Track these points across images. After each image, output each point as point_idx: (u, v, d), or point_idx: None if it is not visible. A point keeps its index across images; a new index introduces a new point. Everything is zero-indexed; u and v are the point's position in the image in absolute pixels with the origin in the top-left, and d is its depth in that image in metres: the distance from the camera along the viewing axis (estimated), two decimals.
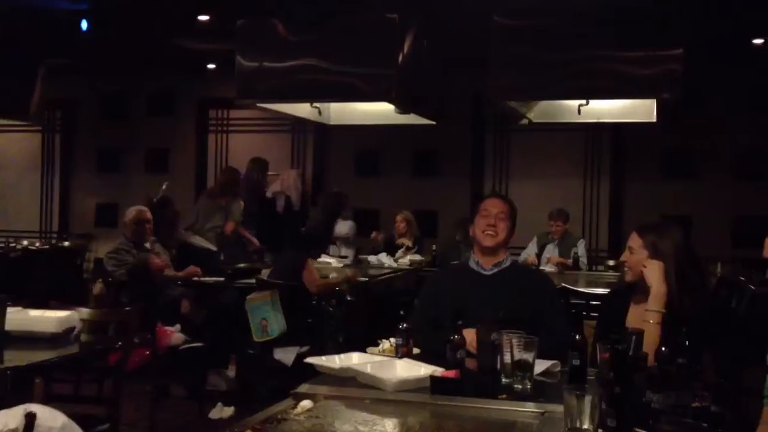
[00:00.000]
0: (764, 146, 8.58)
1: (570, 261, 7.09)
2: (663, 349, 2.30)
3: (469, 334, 2.81)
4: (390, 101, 5.51)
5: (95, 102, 10.67)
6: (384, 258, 7.50)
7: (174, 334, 5.29)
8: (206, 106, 10.33)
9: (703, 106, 8.40)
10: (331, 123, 6.56)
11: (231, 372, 5.88)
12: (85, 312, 3.83)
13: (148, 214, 6.02)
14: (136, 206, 6.17)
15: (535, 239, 7.57)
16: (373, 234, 8.35)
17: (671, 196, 8.72)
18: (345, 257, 7.54)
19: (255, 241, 7.65)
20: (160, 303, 5.69)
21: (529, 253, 7.41)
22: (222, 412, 5.34)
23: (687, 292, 2.93)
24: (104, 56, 8.89)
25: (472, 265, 3.43)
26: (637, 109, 6.14)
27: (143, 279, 5.50)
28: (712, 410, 1.73)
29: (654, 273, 2.94)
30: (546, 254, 7.39)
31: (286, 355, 5.09)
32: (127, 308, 4.15)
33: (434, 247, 7.86)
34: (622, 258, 3.17)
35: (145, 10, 7.02)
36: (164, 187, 8.21)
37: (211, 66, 9.54)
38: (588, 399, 1.94)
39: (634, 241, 3.07)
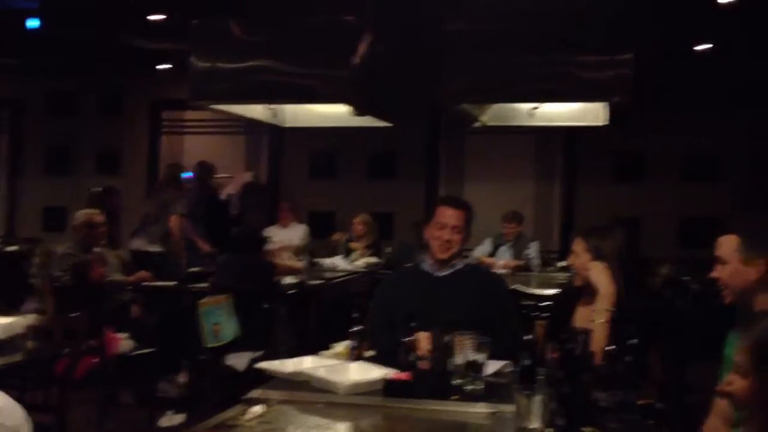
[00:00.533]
0: (710, 149, 8.77)
1: (522, 263, 7.17)
2: (610, 348, 2.34)
3: (423, 339, 2.82)
4: (346, 103, 5.51)
5: (43, 102, 10.46)
6: (338, 261, 7.48)
7: (122, 342, 5.20)
8: (159, 107, 10.20)
9: (652, 109, 8.54)
10: (287, 125, 6.53)
11: (182, 378, 5.80)
12: (31, 318, 3.74)
13: (99, 218, 5.91)
14: (86, 210, 6.05)
15: (489, 240, 7.62)
16: (336, 235, 8.33)
17: (621, 198, 8.86)
18: (301, 259, 7.50)
19: (204, 245, 7.58)
20: (108, 308, 5.59)
21: (483, 253, 7.46)
22: (172, 419, 5.25)
23: (631, 292, 2.98)
24: (53, 55, 8.73)
25: (425, 267, 3.44)
26: (589, 113, 6.24)
27: (84, 283, 5.39)
28: (657, 407, 1.76)
29: (599, 274, 2.99)
30: (500, 256, 7.44)
31: (239, 361, 5.04)
32: (75, 314, 4.07)
33: (389, 249, 7.87)
34: (568, 262, 3.21)
35: (96, 7, 6.90)
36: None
37: (164, 66, 9.42)
38: (538, 398, 1.96)
39: (578, 244, 3.13)
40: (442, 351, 2.69)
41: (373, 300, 3.53)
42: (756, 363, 1.68)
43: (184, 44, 5.63)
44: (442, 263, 3.38)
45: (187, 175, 8.40)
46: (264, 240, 5.81)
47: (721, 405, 2.59)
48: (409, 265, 4.05)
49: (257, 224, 7.09)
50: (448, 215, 3.37)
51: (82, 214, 5.92)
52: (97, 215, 5.91)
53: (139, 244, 7.21)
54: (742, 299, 2.48)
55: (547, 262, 7.94)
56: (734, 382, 1.75)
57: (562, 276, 6.62)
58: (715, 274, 2.53)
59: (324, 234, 8.93)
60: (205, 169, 8.29)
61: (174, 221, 7.23)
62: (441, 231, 3.34)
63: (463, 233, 3.37)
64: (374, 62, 5.69)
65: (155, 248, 7.16)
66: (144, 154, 10.23)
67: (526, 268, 7.13)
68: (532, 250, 7.34)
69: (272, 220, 8.26)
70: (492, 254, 7.46)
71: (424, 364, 2.75)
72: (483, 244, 7.59)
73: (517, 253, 7.36)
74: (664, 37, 7.19)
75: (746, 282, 2.46)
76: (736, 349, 2.15)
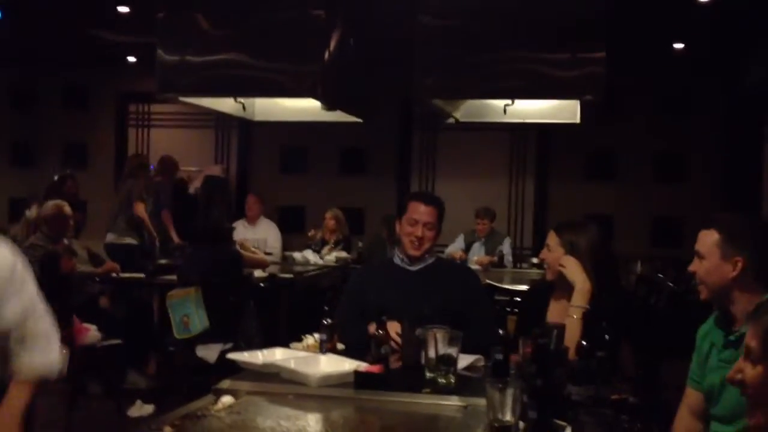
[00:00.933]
0: (683, 148, 8.87)
1: (495, 259, 7.19)
2: (583, 343, 2.34)
3: (392, 327, 2.81)
4: (315, 98, 5.47)
5: (5, 93, 10.28)
6: (310, 255, 7.46)
7: (90, 332, 5.14)
8: (126, 99, 10.07)
9: (625, 108, 8.63)
10: (256, 119, 6.48)
11: (152, 370, 5.75)
12: None
13: (68, 209, 5.83)
14: (54, 201, 5.96)
15: (461, 236, 7.63)
16: (311, 231, 8.29)
17: (594, 196, 8.93)
18: (270, 254, 7.46)
19: (176, 237, 7.51)
20: (77, 300, 5.52)
21: (456, 249, 7.47)
22: (141, 409, 5.22)
23: (604, 288, 2.99)
24: (16, 47, 8.59)
25: (397, 261, 3.42)
26: (562, 110, 6.27)
27: (55, 275, 5.31)
28: (630, 401, 1.76)
29: (575, 270, 2.99)
30: (473, 252, 7.47)
31: (209, 353, 5.00)
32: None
33: (360, 244, 7.86)
34: (541, 256, 3.22)
35: None
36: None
37: (131, 59, 9.31)
38: (510, 392, 1.95)
39: (552, 238, 3.14)
40: (413, 344, 2.68)
41: (344, 292, 3.51)
42: (767, 349, 1.67)
43: (150, 37, 5.55)
44: (415, 258, 3.37)
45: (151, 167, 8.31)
46: (230, 232, 5.76)
47: (691, 397, 2.61)
48: (380, 259, 4.05)
49: (221, 217, 7.01)
50: (421, 211, 3.34)
51: (51, 206, 5.83)
52: (65, 206, 5.83)
53: (111, 237, 7.11)
54: (719, 297, 2.48)
55: (520, 259, 7.99)
56: (744, 369, 1.74)
57: (535, 272, 6.66)
58: (692, 268, 2.52)
59: (294, 229, 8.89)
60: (168, 165, 8.16)
61: (138, 208, 7.15)
62: (413, 227, 3.32)
63: (435, 230, 3.36)
64: (344, 57, 5.66)
65: (128, 240, 7.08)
66: (111, 148, 10.10)
67: (499, 264, 7.15)
68: (506, 247, 7.37)
69: (238, 214, 8.14)
70: (465, 251, 7.47)
71: (393, 358, 2.74)
72: (456, 241, 7.61)
73: (490, 250, 7.38)
74: (638, 36, 7.26)
75: (723, 279, 2.44)
76: (746, 335, 2.16)
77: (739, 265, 2.42)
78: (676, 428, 2.60)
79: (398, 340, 2.84)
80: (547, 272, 3.18)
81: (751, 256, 2.41)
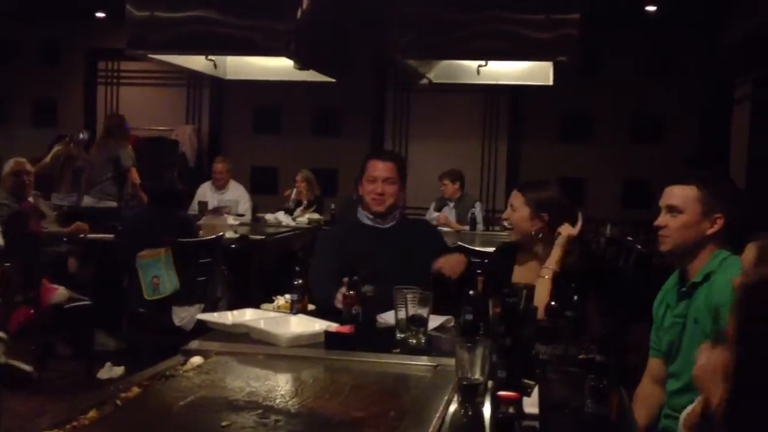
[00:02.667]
0: (655, 110, 8.90)
1: (467, 227, 7.16)
2: (552, 303, 2.35)
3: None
4: (288, 57, 5.40)
5: None
6: (282, 216, 7.43)
7: (57, 291, 5.09)
8: (95, 56, 9.89)
9: (598, 70, 8.63)
10: (228, 77, 6.39)
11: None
12: None
13: (27, 166, 5.75)
14: (15, 158, 5.88)
15: (433, 204, 7.63)
16: (287, 191, 8.24)
17: (566, 159, 8.96)
18: (242, 215, 7.42)
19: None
20: (44, 260, 5.46)
21: (430, 217, 7.45)
22: (111, 371, 5.20)
23: (570, 248, 3.01)
24: None
25: (366, 221, 3.42)
26: (535, 72, 6.25)
27: (22, 233, 5.25)
28: (597, 360, 1.77)
29: (561, 237, 3.02)
30: (441, 214, 7.44)
31: (186, 322, 4.98)
32: (7, 264, 3.96)
33: (333, 205, 7.84)
34: (504, 216, 3.20)
35: None
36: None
37: (100, 14, 9.12)
38: (479, 351, 1.96)
39: (516, 198, 3.12)
40: (366, 302, 2.69)
41: (314, 253, 3.50)
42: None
43: None
44: (382, 216, 3.37)
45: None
46: (180, 196, 5.71)
47: (652, 366, 2.65)
48: (348, 220, 4.04)
49: (172, 180, 6.96)
50: (379, 168, 3.37)
51: (10, 162, 5.78)
52: (25, 164, 5.76)
53: (90, 201, 7.01)
54: (685, 252, 2.51)
55: (492, 222, 8.01)
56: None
57: (506, 235, 6.69)
58: (662, 222, 2.54)
59: (267, 190, 8.84)
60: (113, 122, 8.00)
61: (134, 175, 7.10)
62: (373, 185, 3.35)
63: (396, 184, 3.37)
64: (318, 15, 5.58)
65: (107, 203, 6.99)
66: (80, 105, 9.94)
67: (471, 227, 7.15)
68: (477, 210, 7.36)
69: (208, 177, 8.01)
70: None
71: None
72: (428, 212, 7.60)
73: (461, 213, 7.37)
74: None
75: (699, 234, 2.48)
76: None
77: (719, 222, 2.46)
78: (638, 395, 2.66)
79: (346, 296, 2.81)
80: (511, 234, 3.17)
81: (730, 214, 2.45)
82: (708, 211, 2.47)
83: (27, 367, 2.31)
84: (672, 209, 2.52)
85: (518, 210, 3.09)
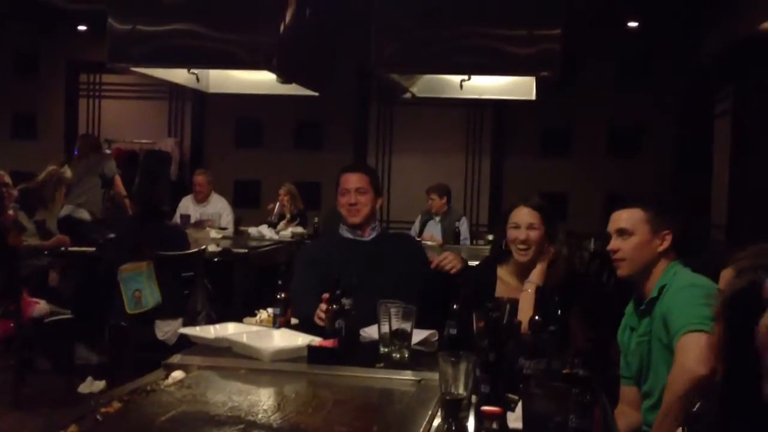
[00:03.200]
0: (636, 125, 8.96)
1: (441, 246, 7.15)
2: (536, 318, 2.36)
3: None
4: (270, 70, 5.39)
5: None
6: (265, 230, 7.40)
7: (38, 305, 5.05)
8: (77, 68, 9.84)
9: (581, 85, 8.68)
10: (210, 91, 6.37)
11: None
12: None
13: (6, 178, 5.72)
14: None
15: (418, 218, 7.63)
16: (270, 205, 8.22)
17: (549, 173, 8.99)
18: (225, 228, 7.39)
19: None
20: (24, 273, 5.41)
21: (413, 231, 7.45)
22: (92, 386, 5.16)
23: (552, 262, 3.03)
24: None
25: (347, 234, 3.42)
26: (518, 87, 6.27)
27: (1, 246, 5.21)
28: (581, 375, 1.78)
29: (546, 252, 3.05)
30: (427, 231, 7.46)
31: (169, 337, 4.94)
32: None
33: (316, 219, 7.82)
34: (523, 237, 3.07)
35: None
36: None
37: (81, 27, 9.08)
38: (462, 366, 1.95)
39: (534, 216, 3.09)
40: (342, 315, 2.68)
41: (296, 266, 3.49)
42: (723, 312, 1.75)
43: (101, 4, 5.41)
44: (361, 228, 3.38)
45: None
46: (166, 208, 5.70)
47: (625, 394, 2.68)
48: (330, 234, 4.04)
49: (160, 192, 6.94)
50: (350, 180, 3.40)
51: None
52: (4, 176, 5.72)
53: (67, 210, 6.97)
54: (641, 272, 2.57)
55: (476, 236, 8.02)
56: None
57: (487, 249, 6.70)
58: (615, 246, 2.60)
59: (250, 204, 8.80)
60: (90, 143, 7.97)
61: (118, 183, 7.11)
62: (346, 197, 3.38)
63: (368, 194, 3.38)
64: (300, 28, 5.58)
65: (82, 215, 6.96)
66: (60, 118, 9.87)
67: (455, 241, 7.16)
68: (463, 226, 7.38)
69: (189, 190, 7.98)
70: (420, 231, 7.47)
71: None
72: (414, 225, 7.60)
73: (447, 228, 7.37)
74: (594, 13, 7.30)
75: (652, 253, 2.57)
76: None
77: (668, 238, 2.55)
78: (616, 419, 2.66)
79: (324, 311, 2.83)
80: (527, 253, 3.08)
81: (677, 229, 2.53)
82: (656, 229, 2.58)
83: None
84: (622, 232, 2.61)
85: (539, 228, 3.08)
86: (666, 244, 2.58)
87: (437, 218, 7.50)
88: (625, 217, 2.62)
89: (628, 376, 2.68)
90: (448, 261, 3.27)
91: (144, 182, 7.57)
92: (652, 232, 2.58)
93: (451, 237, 7.20)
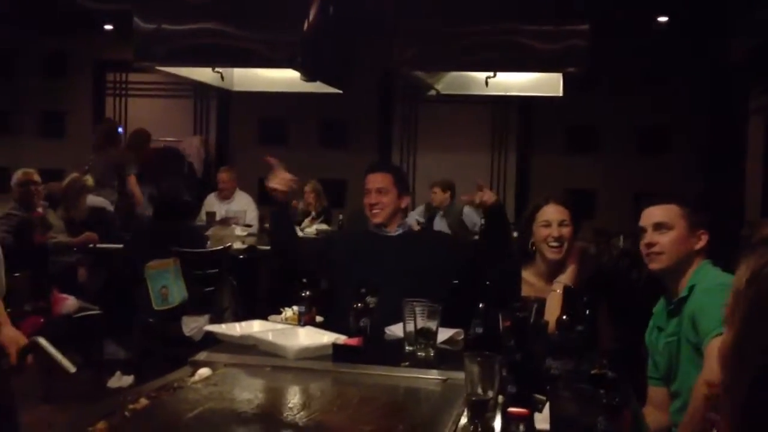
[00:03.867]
0: (665, 121, 8.86)
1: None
2: (564, 317, 2.34)
3: None
4: (294, 68, 5.40)
5: None
6: None
7: (68, 301, 5.10)
8: (103, 68, 9.92)
9: (608, 81, 8.60)
10: (235, 89, 6.40)
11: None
12: None
13: (35, 176, 5.78)
14: (24, 169, 5.91)
15: (420, 208, 7.66)
16: (294, 202, 8.25)
17: (576, 170, 8.93)
18: (250, 226, 7.41)
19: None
20: (54, 270, 5.47)
21: (412, 220, 7.43)
22: (121, 380, 5.20)
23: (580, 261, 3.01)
24: None
25: (375, 230, 3.43)
26: (544, 83, 6.22)
27: (28, 243, 5.27)
28: (609, 376, 1.75)
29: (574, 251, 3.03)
30: (436, 227, 7.44)
31: (194, 332, 4.98)
32: (16, 274, 3.96)
33: (341, 217, 7.83)
34: (557, 234, 3.06)
35: None
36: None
37: (108, 27, 9.16)
38: (489, 366, 1.94)
39: (565, 213, 3.08)
40: (367, 314, 2.67)
41: (320, 246, 3.51)
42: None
43: (127, 4, 5.45)
44: (386, 225, 3.39)
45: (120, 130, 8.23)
46: (188, 206, 5.73)
47: (653, 395, 2.65)
48: (357, 230, 4.07)
49: (178, 190, 6.94)
50: (371, 180, 3.42)
51: (18, 173, 5.81)
52: (33, 175, 5.78)
53: (98, 201, 7.02)
54: (675, 269, 2.52)
55: None
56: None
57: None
58: (653, 239, 2.54)
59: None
60: (141, 138, 8.06)
61: (132, 182, 7.14)
62: (368, 197, 3.39)
63: (390, 193, 3.39)
64: (324, 27, 5.58)
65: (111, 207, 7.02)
66: (88, 117, 9.95)
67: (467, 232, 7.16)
68: (468, 217, 7.35)
69: (214, 187, 8.02)
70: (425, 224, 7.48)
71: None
72: (413, 211, 7.57)
73: (452, 222, 7.37)
74: (622, 9, 7.23)
75: (688, 250, 2.52)
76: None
77: (704, 237, 2.51)
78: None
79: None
80: (560, 250, 3.05)
81: (711, 231, 2.49)
82: (693, 226, 2.53)
83: (71, 368, 2.36)
84: (660, 226, 2.56)
85: (570, 224, 3.07)
86: (702, 243, 2.53)
87: (440, 213, 7.52)
88: (661, 212, 2.57)
89: (656, 377, 2.65)
90: (488, 196, 3.28)
91: (158, 180, 7.59)
92: (689, 229, 2.53)
93: (459, 229, 7.19)
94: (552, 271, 3.06)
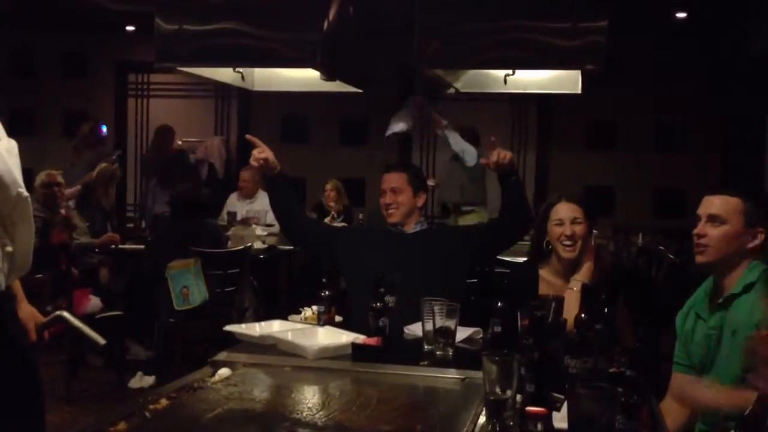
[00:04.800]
0: (684, 118, 8.80)
1: None
2: (582, 315, 2.32)
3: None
4: (315, 68, 5.41)
5: (4, 59, 10.17)
6: None
7: (90, 301, 5.15)
8: (125, 69, 10.00)
9: (627, 78, 8.55)
10: (256, 89, 6.42)
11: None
12: None
13: (59, 178, 5.84)
14: (46, 170, 5.97)
15: None
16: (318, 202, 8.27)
17: (595, 167, 8.89)
18: (271, 225, 7.44)
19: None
20: (76, 271, 5.52)
21: None
22: (142, 381, 5.25)
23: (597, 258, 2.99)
24: (12, 13, 8.48)
25: (392, 228, 3.44)
26: (563, 81, 6.19)
27: (46, 243, 5.32)
28: (628, 375, 1.75)
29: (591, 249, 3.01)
30: None
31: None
32: (38, 275, 4.01)
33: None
34: (569, 232, 3.06)
35: None
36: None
37: (129, 28, 9.22)
38: (507, 365, 1.94)
39: (577, 211, 3.07)
40: (385, 313, 2.68)
41: (336, 238, 3.50)
42: None
43: (148, 5, 5.49)
44: (404, 226, 3.39)
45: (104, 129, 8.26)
46: (205, 206, 5.75)
47: (677, 382, 2.61)
48: (376, 227, 4.07)
49: (193, 190, 6.96)
50: (387, 180, 3.44)
51: (41, 175, 5.87)
52: (57, 175, 5.84)
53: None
54: (724, 264, 2.47)
55: None
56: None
57: (527, 243, 6.65)
58: (701, 230, 2.50)
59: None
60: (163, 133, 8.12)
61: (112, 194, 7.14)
62: (383, 197, 3.42)
63: (405, 192, 3.40)
64: (344, 26, 5.59)
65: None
66: (111, 117, 10.03)
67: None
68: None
69: (230, 187, 8.06)
70: None
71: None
72: None
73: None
74: (641, 4, 7.18)
75: (740, 247, 2.44)
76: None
77: (761, 236, 2.43)
78: (662, 412, 2.60)
79: None
80: (573, 248, 3.05)
81: None
82: (751, 223, 2.44)
83: (101, 340, 2.41)
84: (714, 219, 2.48)
85: (583, 222, 3.06)
86: (757, 242, 2.45)
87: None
88: (719, 203, 2.49)
89: (685, 364, 2.60)
90: (503, 154, 3.30)
91: (176, 181, 7.64)
92: (746, 226, 2.45)
93: None
94: (568, 269, 3.05)
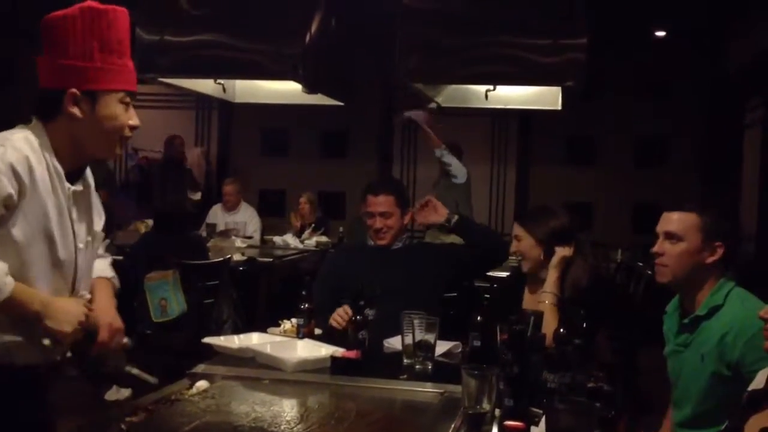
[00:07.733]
0: (663, 134, 8.90)
1: None
2: (561, 330, 2.33)
3: (341, 312, 2.84)
4: (296, 80, 5.43)
5: None
6: (290, 239, 7.42)
7: None
8: None
9: (606, 94, 8.64)
10: (236, 101, 6.43)
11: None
12: None
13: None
14: None
15: None
16: (292, 218, 8.25)
17: (574, 183, 8.95)
18: (250, 237, 7.42)
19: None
20: None
21: None
22: (118, 393, 5.18)
23: (572, 273, 2.99)
24: None
25: (372, 242, 3.43)
26: (543, 96, 6.26)
27: None
28: (605, 389, 1.76)
29: (554, 259, 2.98)
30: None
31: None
32: None
33: (341, 228, 7.83)
34: (513, 249, 3.11)
35: None
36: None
37: None
38: (486, 379, 1.95)
39: (518, 229, 3.08)
40: (365, 326, 2.68)
41: (319, 276, 3.50)
42: None
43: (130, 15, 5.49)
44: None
45: None
46: (190, 218, 5.72)
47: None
48: (355, 242, 4.07)
49: (175, 201, 6.92)
50: (375, 203, 3.37)
51: None
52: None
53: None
54: (685, 281, 2.46)
55: None
56: None
57: (514, 259, 6.66)
58: (659, 249, 2.48)
59: (274, 212, 8.83)
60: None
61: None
62: (372, 220, 3.36)
63: (394, 216, 3.37)
64: (325, 39, 5.61)
65: None
66: None
67: None
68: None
69: (218, 199, 8.05)
70: None
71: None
72: None
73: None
74: (621, 22, 7.27)
75: (699, 263, 2.41)
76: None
77: (719, 251, 2.40)
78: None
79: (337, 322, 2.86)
80: (523, 264, 3.11)
81: (729, 244, 2.41)
82: (708, 238, 2.40)
83: (152, 379, 2.34)
84: (671, 236, 2.44)
85: (523, 239, 3.06)
86: (716, 257, 2.39)
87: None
88: (676, 220, 2.46)
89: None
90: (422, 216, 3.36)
91: (157, 191, 7.60)
92: (703, 241, 2.39)
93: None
94: (529, 282, 3.06)
